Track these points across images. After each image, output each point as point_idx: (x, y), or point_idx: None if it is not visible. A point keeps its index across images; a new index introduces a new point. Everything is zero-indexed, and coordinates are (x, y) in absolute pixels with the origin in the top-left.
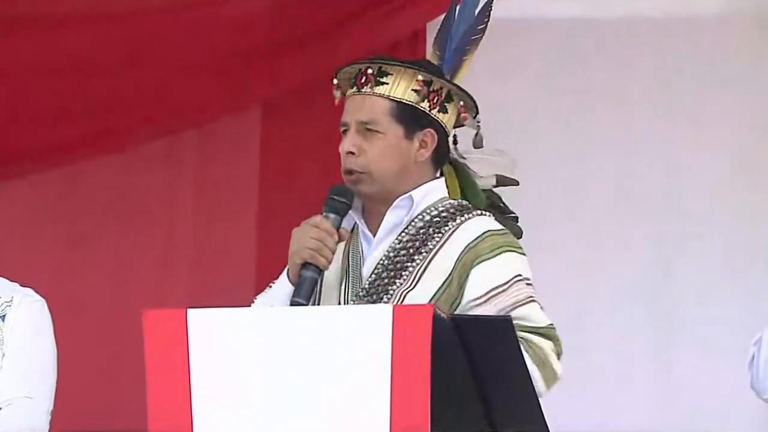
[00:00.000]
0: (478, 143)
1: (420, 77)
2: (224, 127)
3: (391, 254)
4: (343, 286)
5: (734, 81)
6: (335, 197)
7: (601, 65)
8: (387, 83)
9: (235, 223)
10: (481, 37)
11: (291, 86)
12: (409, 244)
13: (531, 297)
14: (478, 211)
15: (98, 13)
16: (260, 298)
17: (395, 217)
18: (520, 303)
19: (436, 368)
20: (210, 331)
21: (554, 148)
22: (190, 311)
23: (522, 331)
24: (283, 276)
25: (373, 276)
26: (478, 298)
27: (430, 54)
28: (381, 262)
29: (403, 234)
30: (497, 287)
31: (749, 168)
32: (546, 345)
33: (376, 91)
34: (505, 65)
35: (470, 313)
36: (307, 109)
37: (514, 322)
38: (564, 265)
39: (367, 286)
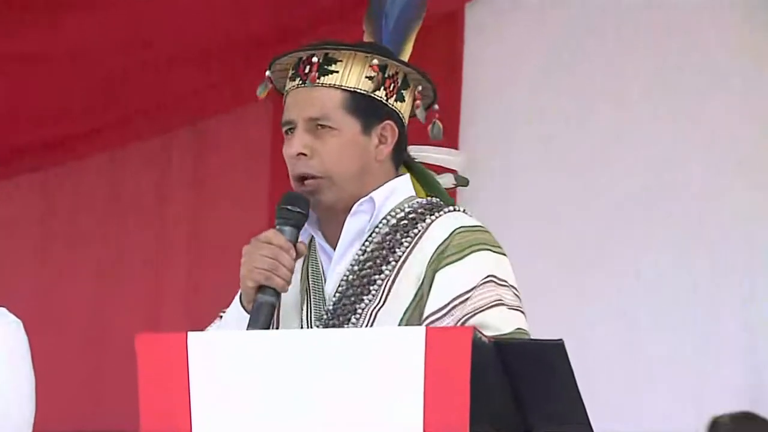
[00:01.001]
0: (436, 134)
1: (375, 61)
2: (231, 123)
3: (356, 267)
4: (304, 310)
5: (735, 79)
6: (289, 207)
7: (600, 60)
8: (337, 71)
9: (238, 224)
10: (422, 14)
11: None
12: (375, 254)
13: (498, 300)
14: (450, 208)
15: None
16: (211, 330)
17: (357, 224)
18: (481, 309)
19: (476, 398)
20: (215, 357)
21: (554, 145)
22: (190, 335)
23: None
24: (235, 302)
25: (338, 295)
26: (438, 311)
27: (365, 38)
28: (345, 277)
29: (367, 243)
30: (459, 296)
31: (749, 167)
32: None
33: (324, 82)
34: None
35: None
36: None
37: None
38: (562, 263)
39: (331, 307)
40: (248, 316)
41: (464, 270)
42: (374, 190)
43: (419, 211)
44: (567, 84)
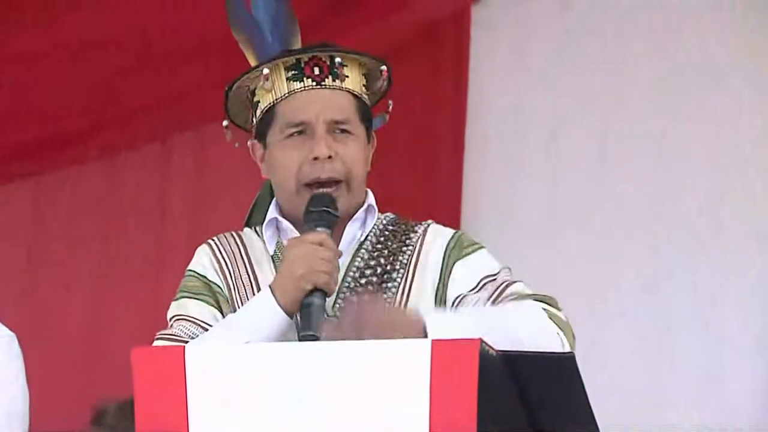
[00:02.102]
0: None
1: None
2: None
3: (357, 275)
4: (297, 321)
5: (735, 79)
6: (330, 210)
7: (600, 59)
8: (348, 76)
9: (238, 226)
10: (296, 22)
11: None
12: (373, 262)
13: (519, 280)
14: (429, 221)
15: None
16: (217, 330)
17: (353, 232)
18: (512, 281)
19: (483, 410)
20: (213, 371)
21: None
22: (188, 348)
23: (526, 299)
24: (267, 304)
25: (341, 302)
26: (472, 289)
27: (241, 45)
28: (346, 284)
29: (362, 251)
30: (488, 276)
31: (750, 167)
32: (558, 311)
33: (341, 85)
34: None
35: (463, 303)
36: None
37: (512, 298)
38: (562, 261)
39: (338, 314)
40: (287, 318)
41: (483, 258)
42: (362, 199)
43: (396, 223)
44: (567, 83)
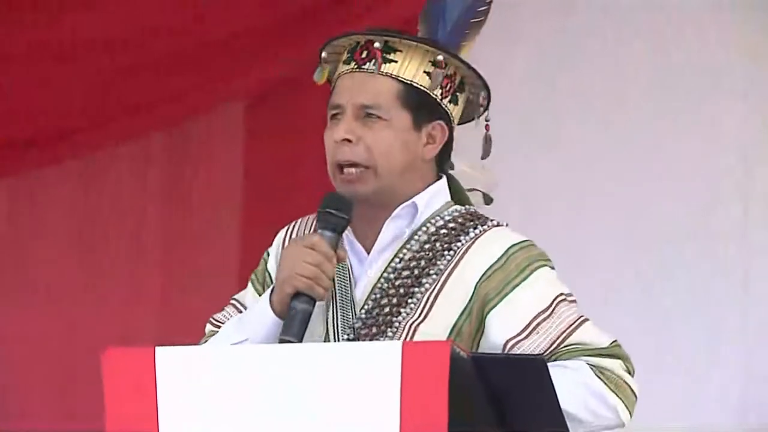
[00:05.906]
0: (487, 151)
1: (440, 57)
2: (202, 125)
3: (392, 275)
4: (330, 315)
5: (735, 79)
6: (333, 211)
7: (600, 60)
8: (396, 61)
9: (213, 234)
10: (484, 21)
11: (279, 75)
12: (413, 263)
13: (582, 317)
14: (494, 221)
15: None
16: (229, 325)
17: (395, 229)
18: (573, 327)
19: (454, 412)
20: (183, 373)
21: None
22: (158, 350)
23: (586, 355)
24: (263, 304)
25: (370, 303)
26: (519, 334)
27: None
28: (379, 285)
29: (404, 250)
30: (540, 313)
31: (750, 167)
32: (616, 365)
33: (383, 70)
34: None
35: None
36: (299, 101)
37: (574, 347)
38: (559, 262)
39: (363, 315)
40: (277, 319)
41: (535, 289)
42: (415, 190)
43: (459, 221)
44: (565, 84)
